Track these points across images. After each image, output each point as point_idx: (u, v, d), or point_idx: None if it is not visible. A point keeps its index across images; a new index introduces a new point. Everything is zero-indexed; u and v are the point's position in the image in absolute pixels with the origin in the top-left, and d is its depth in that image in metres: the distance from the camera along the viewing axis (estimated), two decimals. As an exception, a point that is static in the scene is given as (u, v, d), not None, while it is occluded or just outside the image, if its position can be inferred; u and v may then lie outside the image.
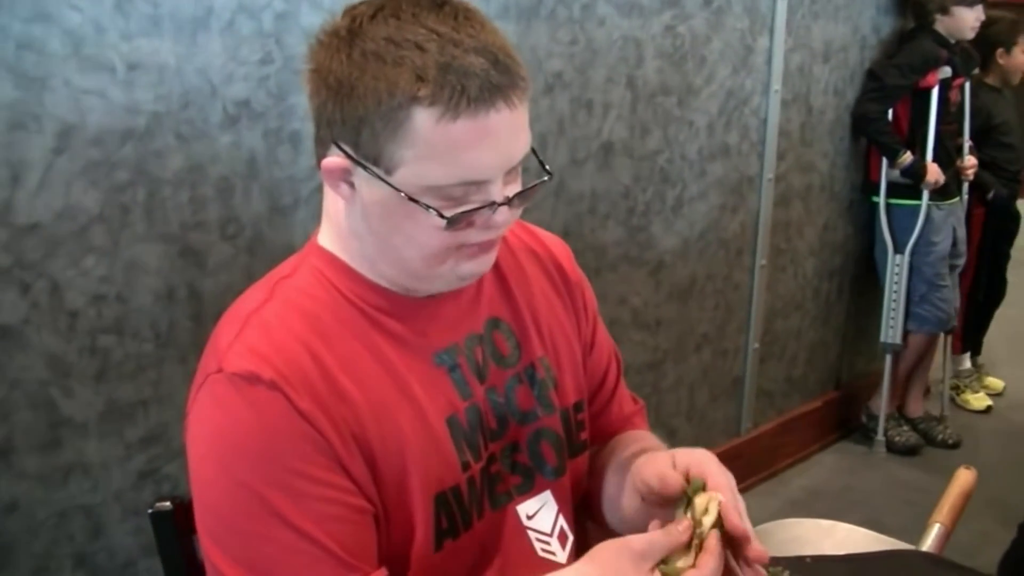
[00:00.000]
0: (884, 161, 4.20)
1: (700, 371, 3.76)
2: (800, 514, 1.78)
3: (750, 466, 4.04)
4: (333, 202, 1.32)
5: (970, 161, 4.42)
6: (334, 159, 1.24)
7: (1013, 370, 5.19)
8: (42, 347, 2.05)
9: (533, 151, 1.29)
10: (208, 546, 1.23)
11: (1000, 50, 4.57)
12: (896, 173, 4.18)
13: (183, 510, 1.48)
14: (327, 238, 1.36)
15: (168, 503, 1.48)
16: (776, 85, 3.73)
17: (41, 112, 1.97)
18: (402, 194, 1.20)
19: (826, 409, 4.48)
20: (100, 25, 2.02)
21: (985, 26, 4.26)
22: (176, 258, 2.20)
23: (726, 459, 4.01)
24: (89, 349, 2.12)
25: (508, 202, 1.25)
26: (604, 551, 1.22)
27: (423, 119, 1.16)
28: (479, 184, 1.22)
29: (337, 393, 1.25)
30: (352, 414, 1.25)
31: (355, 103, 1.18)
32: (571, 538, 1.49)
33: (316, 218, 2.37)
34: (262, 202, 2.33)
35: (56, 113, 1.99)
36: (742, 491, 3.42)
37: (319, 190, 2.36)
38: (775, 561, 1.40)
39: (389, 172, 1.20)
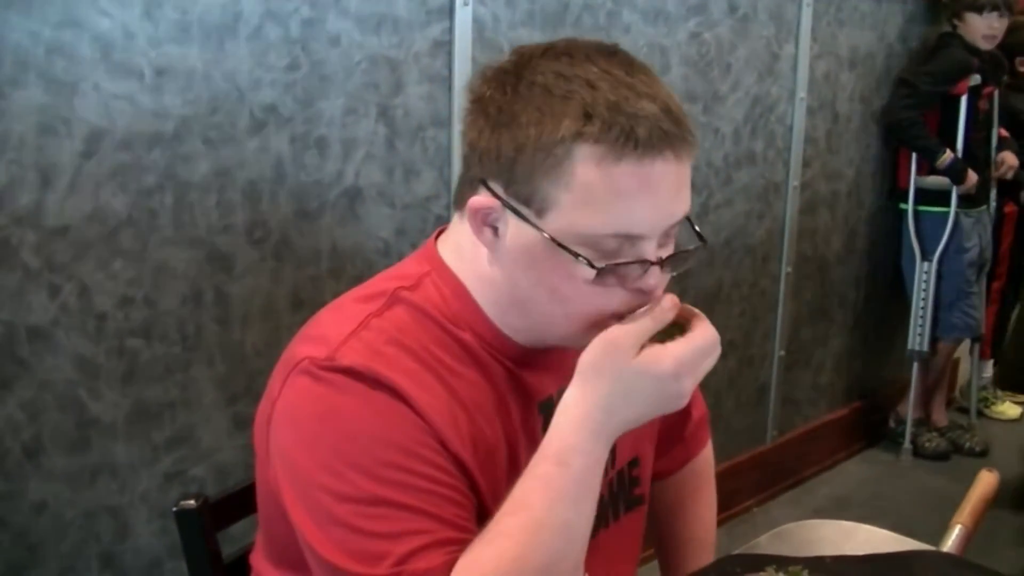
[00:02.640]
0: (913, 167, 4.20)
1: (726, 378, 3.75)
2: (825, 521, 1.79)
3: (776, 474, 4.04)
4: (467, 238, 1.27)
5: (1011, 159, 4.39)
6: (483, 198, 1.20)
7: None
8: (71, 349, 2.07)
9: (687, 219, 1.25)
10: (309, 531, 1.19)
11: (1019, 58, 4.55)
12: (925, 180, 4.17)
13: (208, 509, 1.49)
14: (459, 264, 1.31)
15: (192, 501, 1.48)
16: (802, 92, 3.73)
17: (71, 116, 2.00)
18: (551, 239, 1.16)
19: (852, 417, 4.47)
20: (129, 31, 2.05)
21: (1011, 33, 4.25)
22: (203, 262, 2.22)
23: (751, 467, 4.03)
24: (117, 351, 2.14)
25: (660, 263, 1.21)
26: (592, 362, 1.19)
27: (585, 158, 1.13)
28: (633, 239, 1.17)
29: (453, 411, 1.23)
30: (466, 434, 1.23)
31: (514, 133, 1.15)
32: None
33: (340, 223, 2.40)
34: (289, 207, 2.34)
35: (85, 117, 2.01)
36: (768, 499, 3.43)
37: (345, 194, 2.40)
38: (795, 561, 1.40)
39: (540, 215, 1.17)
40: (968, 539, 1.76)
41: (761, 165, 3.67)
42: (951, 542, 1.74)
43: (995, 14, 4.07)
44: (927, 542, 1.63)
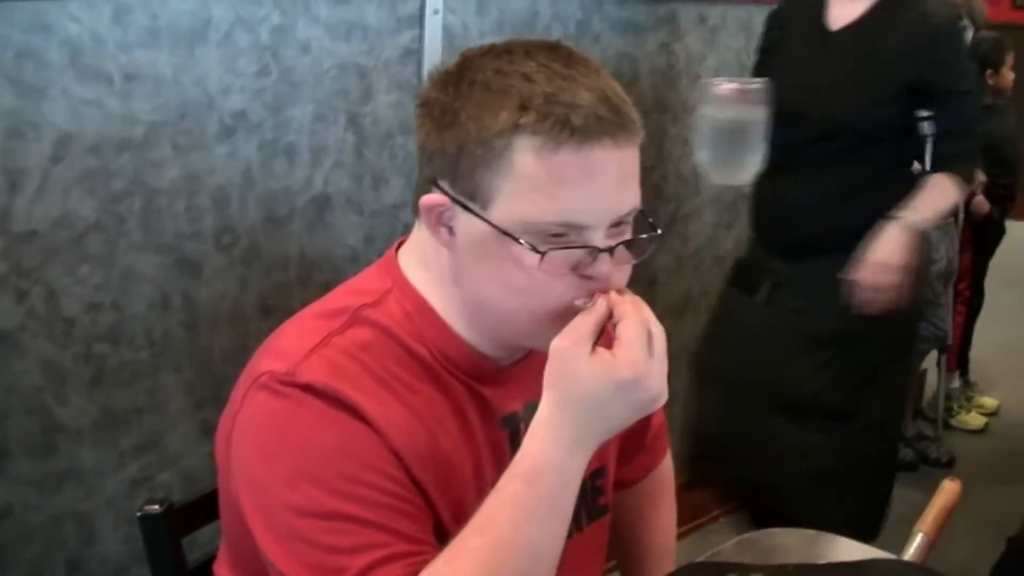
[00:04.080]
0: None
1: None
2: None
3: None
4: (426, 242, 1.28)
5: (979, 175, 4.43)
6: (434, 197, 1.22)
7: (1006, 389, 5.20)
8: (37, 353, 2.07)
9: (642, 212, 1.25)
10: (268, 545, 1.20)
11: (989, 71, 4.59)
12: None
13: (173, 514, 1.49)
14: (420, 278, 1.32)
15: (157, 506, 1.48)
16: (771, 103, 3.74)
17: (39, 121, 1.99)
18: (496, 228, 1.18)
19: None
20: (98, 36, 2.04)
21: (979, 47, 4.28)
22: (171, 267, 2.22)
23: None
24: (84, 356, 2.13)
25: (610, 250, 1.21)
26: (551, 376, 1.19)
27: (524, 148, 1.14)
28: (580, 228, 1.18)
29: (412, 429, 1.23)
30: (424, 452, 1.24)
31: (456, 130, 1.17)
32: None
33: (309, 230, 2.41)
34: (257, 212, 2.34)
35: (54, 122, 2.01)
36: (736, 508, 3.40)
37: (314, 201, 2.40)
38: (757, 568, 1.41)
39: (485, 207, 1.18)
40: (929, 548, 1.78)
41: (730, 175, 3.67)
42: (912, 550, 1.76)
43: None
44: (892, 551, 1.64)
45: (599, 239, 1.20)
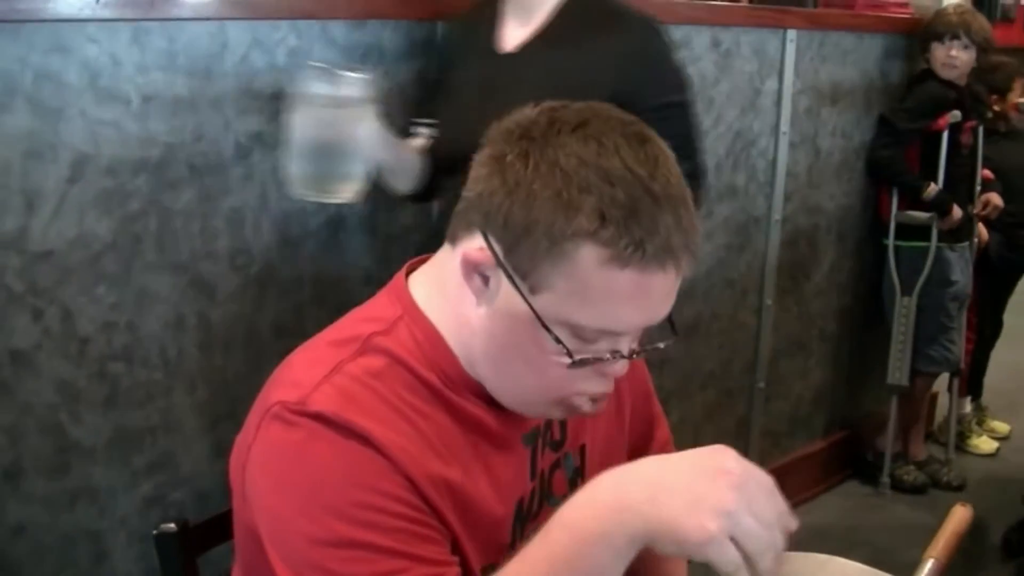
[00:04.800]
0: (894, 202, 4.22)
1: (705, 410, 3.77)
2: (802, 552, 1.79)
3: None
4: (452, 277, 1.27)
5: (996, 200, 4.44)
6: (480, 254, 1.20)
7: (1019, 414, 5.19)
8: (52, 372, 2.08)
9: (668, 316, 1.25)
10: (277, 562, 1.19)
11: (995, 96, 4.59)
12: (905, 214, 4.19)
13: (187, 533, 1.49)
14: (433, 304, 1.31)
15: (172, 525, 1.48)
16: (784, 127, 3.76)
17: (57, 142, 2.01)
18: (537, 318, 1.17)
19: (831, 450, 4.48)
20: (116, 58, 2.06)
21: (988, 71, 4.29)
22: (186, 288, 2.23)
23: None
24: (98, 375, 2.15)
25: (633, 356, 1.24)
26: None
27: (590, 257, 1.13)
28: (615, 336, 1.20)
29: (424, 455, 1.22)
30: (437, 477, 1.23)
31: (527, 212, 1.14)
32: None
33: (323, 251, 2.41)
34: (272, 234, 2.36)
35: (71, 143, 2.03)
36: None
37: (328, 222, 2.41)
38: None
39: (534, 292, 1.17)
40: (940, 573, 1.77)
41: (742, 199, 3.69)
42: (923, 575, 1.75)
43: (956, 43, 4.08)
44: (903, 573, 1.63)
45: (627, 344, 1.22)
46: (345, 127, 1.96)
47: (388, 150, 2.16)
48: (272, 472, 1.22)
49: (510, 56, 2.27)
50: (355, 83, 1.97)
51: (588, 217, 1.12)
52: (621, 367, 1.24)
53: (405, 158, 2.28)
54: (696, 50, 3.33)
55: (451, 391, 1.29)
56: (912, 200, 4.18)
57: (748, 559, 1.05)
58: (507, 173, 1.17)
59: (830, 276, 4.27)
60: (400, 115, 2.33)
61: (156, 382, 2.23)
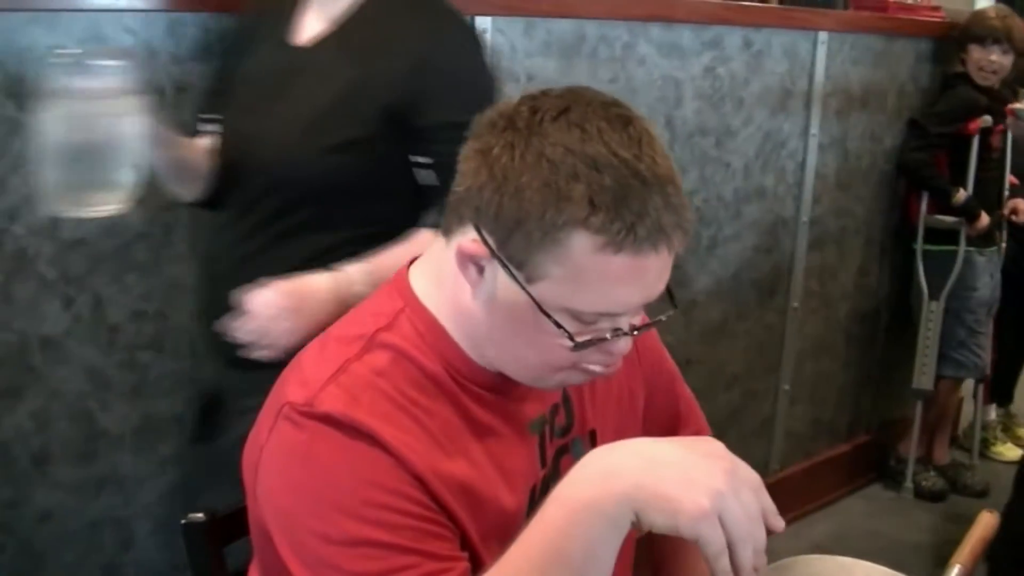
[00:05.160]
0: (923, 206, 4.20)
1: (729, 411, 3.77)
2: (824, 556, 1.79)
3: (778, 508, 4.03)
4: (448, 268, 1.28)
5: (1022, 206, 4.41)
6: (474, 246, 1.21)
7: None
8: (82, 360, 2.10)
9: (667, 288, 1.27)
10: (295, 570, 1.20)
11: (1022, 90, 4.56)
12: (934, 218, 4.18)
13: (216, 523, 1.50)
14: (433, 296, 1.32)
15: (201, 515, 1.49)
16: (814, 129, 3.75)
17: (91, 131, 2.01)
18: (537, 306, 1.19)
19: (855, 453, 4.47)
20: (152, 47, 2.07)
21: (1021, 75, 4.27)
22: (216, 278, 2.24)
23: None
24: (128, 364, 2.16)
25: (634, 332, 1.25)
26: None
27: (583, 243, 1.14)
28: (615, 316, 1.22)
29: (431, 451, 1.24)
30: (444, 473, 1.24)
31: (517, 204, 1.15)
32: None
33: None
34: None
35: (105, 132, 2.03)
36: (768, 532, 3.39)
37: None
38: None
39: (530, 281, 1.18)
40: (966, 578, 1.77)
41: (771, 200, 3.68)
42: (949, 582, 1.75)
43: (996, 47, 4.06)
44: (927, 581, 1.64)
45: (627, 322, 1.24)
46: (104, 125, 1.61)
47: (164, 150, 1.84)
48: (282, 473, 1.24)
49: (301, 51, 1.96)
50: (113, 71, 1.62)
51: (578, 205, 1.13)
52: (624, 344, 1.26)
53: (187, 160, 1.95)
54: (728, 50, 3.33)
55: (455, 382, 1.30)
56: (941, 205, 4.16)
57: (731, 545, 1.08)
58: (494, 166, 1.18)
59: (857, 279, 4.26)
60: (190, 110, 2.11)
61: (184, 372, 2.24)
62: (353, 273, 1.80)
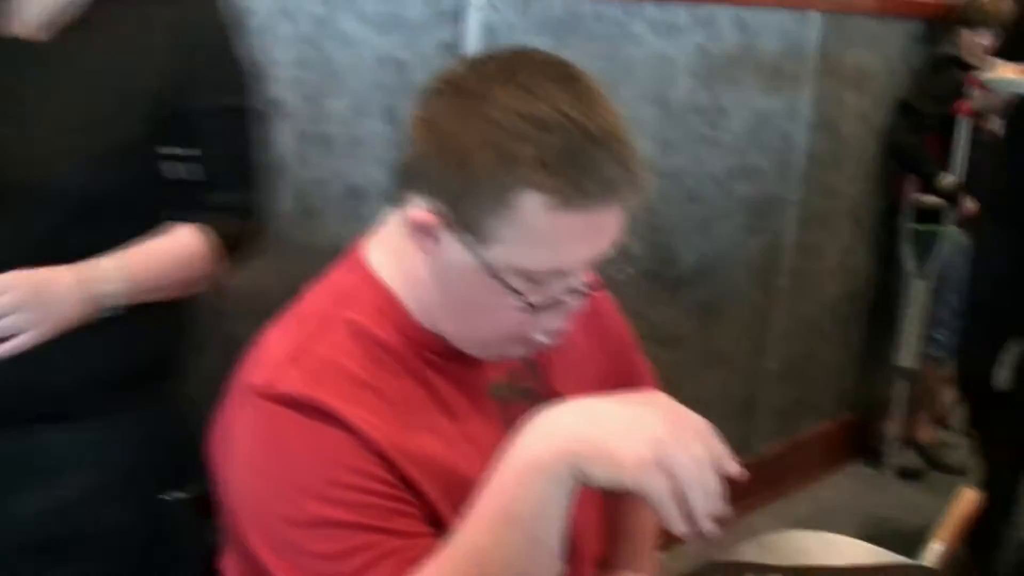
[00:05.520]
0: (911, 186, 4.22)
1: (716, 389, 3.79)
2: (808, 534, 1.82)
3: (761, 485, 4.06)
4: (401, 239, 1.28)
5: None
6: (425, 215, 1.21)
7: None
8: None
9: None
10: (267, 557, 1.21)
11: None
12: (924, 198, 4.19)
13: (199, 499, 1.50)
14: (385, 269, 1.33)
15: (184, 492, 1.50)
16: (805, 109, 3.76)
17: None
18: (491, 270, 1.20)
19: (840, 431, 4.50)
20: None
21: None
22: (204, 255, 2.24)
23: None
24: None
25: (589, 291, 1.27)
26: None
27: (534, 204, 1.14)
28: (567, 274, 1.22)
29: (393, 427, 1.24)
30: (409, 448, 1.25)
31: (466, 170, 1.16)
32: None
33: (343, 221, 2.41)
34: (289, 203, 2.36)
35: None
36: (751, 510, 3.42)
37: (349, 195, 2.41)
38: (775, 570, 1.43)
39: (482, 244, 1.19)
40: (947, 555, 1.80)
41: (761, 179, 3.69)
42: (931, 557, 1.78)
43: (987, 32, 4.06)
44: (906, 555, 1.66)
45: (579, 280, 1.25)
46: None
47: None
48: (245, 456, 1.24)
49: (31, 43, 1.64)
50: None
51: (527, 167, 1.13)
52: (578, 303, 1.27)
53: None
54: (722, 29, 3.33)
55: (416, 354, 1.31)
56: (931, 188, 4.17)
57: (681, 494, 1.08)
58: (442, 133, 1.18)
59: (846, 259, 4.27)
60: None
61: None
62: (104, 270, 1.64)
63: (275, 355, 1.26)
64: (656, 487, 1.08)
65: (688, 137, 3.34)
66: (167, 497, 1.51)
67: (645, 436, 1.09)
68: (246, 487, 1.24)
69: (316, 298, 1.35)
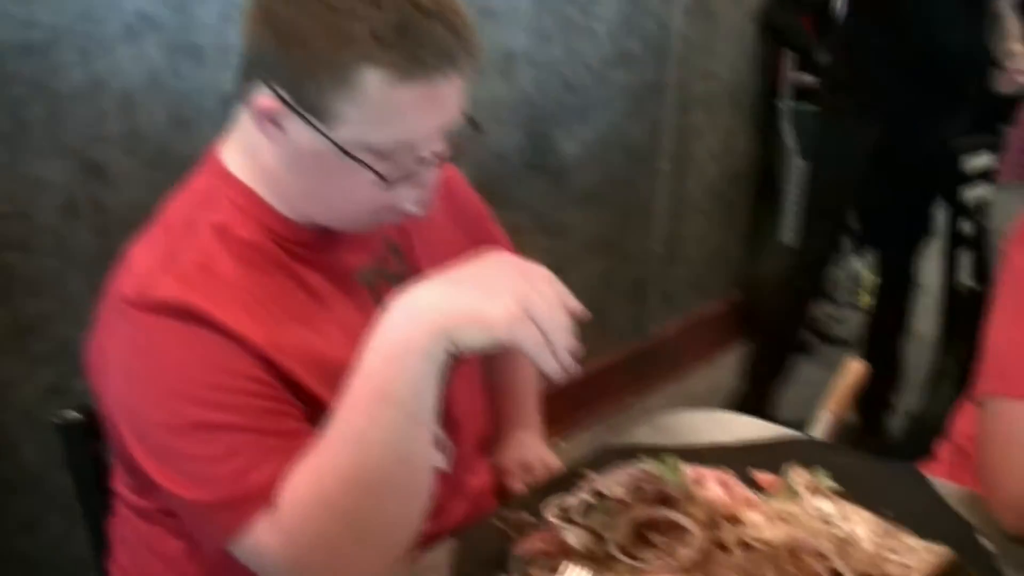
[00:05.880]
0: (789, 65, 4.24)
1: (604, 275, 3.82)
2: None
3: (655, 368, 4.13)
4: (252, 134, 1.29)
5: None
6: (268, 102, 1.22)
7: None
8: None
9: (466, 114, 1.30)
10: (151, 467, 1.23)
11: None
12: (802, 77, 4.21)
13: (92, 421, 1.49)
14: (241, 168, 1.33)
15: (76, 413, 1.49)
16: (678, -8, 3.75)
17: (-65, 28, 1.95)
18: (341, 150, 1.21)
19: (730, 312, 4.57)
20: (-7, -62, 2.00)
21: None
22: (78, 173, 2.20)
23: (632, 361, 4.06)
24: (-6, 264, 2.11)
25: (442, 160, 1.29)
26: None
27: (374, 79, 1.16)
28: (413, 145, 1.24)
29: (268, 325, 1.25)
30: (287, 344, 1.26)
31: (303, 53, 1.17)
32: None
33: (218, 131, 2.37)
34: (164, 116, 2.32)
35: (-50, 29, 1.96)
36: (647, 391, 3.47)
37: (222, 103, 2.37)
38: (670, 450, 1.45)
39: (328, 125, 1.21)
40: (836, 425, 1.84)
41: (638, 65, 3.69)
42: (820, 429, 1.82)
43: None
44: (796, 429, 1.69)
45: (428, 150, 1.27)
46: None
47: None
48: (121, 366, 1.25)
49: None
50: None
51: (363, 43, 1.15)
52: (432, 173, 1.30)
53: None
54: (588, -84, 3.31)
55: (282, 248, 1.32)
56: (807, 63, 4.19)
57: (546, 338, 1.14)
58: (278, 20, 1.19)
59: (727, 141, 4.31)
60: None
61: (52, 270, 2.20)
62: None
63: (145, 265, 1.26)
64: (528, 335, 1.14)
65: (561, 26, 3.32)
66: (56, 420, 1.49)
67: (508, 291, 1.14)
68: (125, 398, 1.25)
69: (179, 205, 1.35)
